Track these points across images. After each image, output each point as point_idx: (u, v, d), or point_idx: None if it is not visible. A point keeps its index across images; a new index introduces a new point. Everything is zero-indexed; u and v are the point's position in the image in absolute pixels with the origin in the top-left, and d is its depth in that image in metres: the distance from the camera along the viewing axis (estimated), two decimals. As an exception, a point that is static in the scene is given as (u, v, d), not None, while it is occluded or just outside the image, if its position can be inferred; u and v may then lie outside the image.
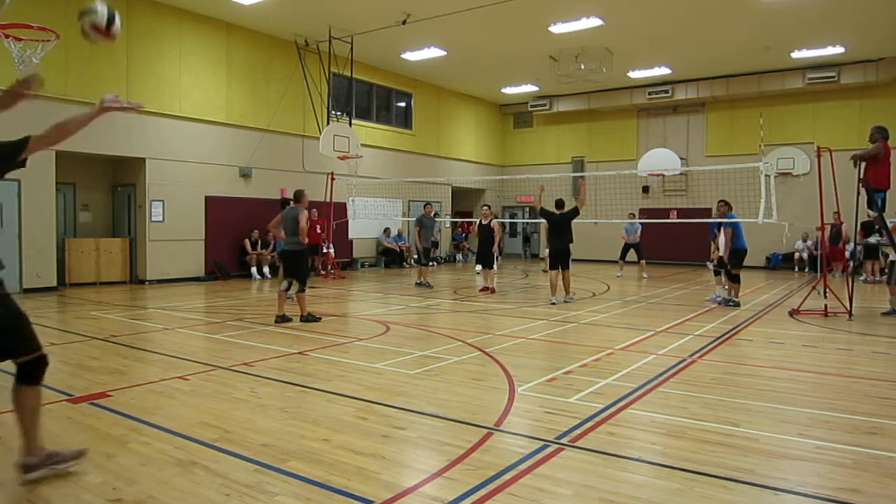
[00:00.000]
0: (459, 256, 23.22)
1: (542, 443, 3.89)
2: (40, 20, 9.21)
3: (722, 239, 10.90)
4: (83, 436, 3.99)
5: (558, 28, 15.13)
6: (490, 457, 3.65)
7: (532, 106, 23.65)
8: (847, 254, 14.86)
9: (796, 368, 6.14)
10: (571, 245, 11.32)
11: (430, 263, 13.89)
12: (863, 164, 9.04)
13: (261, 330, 8.14)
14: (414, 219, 20.69)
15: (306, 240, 8.85)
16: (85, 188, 14.13)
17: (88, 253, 13.32)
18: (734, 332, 8.22)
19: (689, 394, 5.11)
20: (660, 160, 19.11)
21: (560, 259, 11.10)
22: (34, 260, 12.15)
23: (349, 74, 17.26)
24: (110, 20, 3.71)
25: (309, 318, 8.74)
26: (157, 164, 14.01)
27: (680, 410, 4.64)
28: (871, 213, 9.39)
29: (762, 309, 10.50)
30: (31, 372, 3.27)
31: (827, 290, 9.76)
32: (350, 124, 17.15)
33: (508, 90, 22.61)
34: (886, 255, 13.21)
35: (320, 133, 15.77)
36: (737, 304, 10.69)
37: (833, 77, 18.20)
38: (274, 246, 16.06)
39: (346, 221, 17.45)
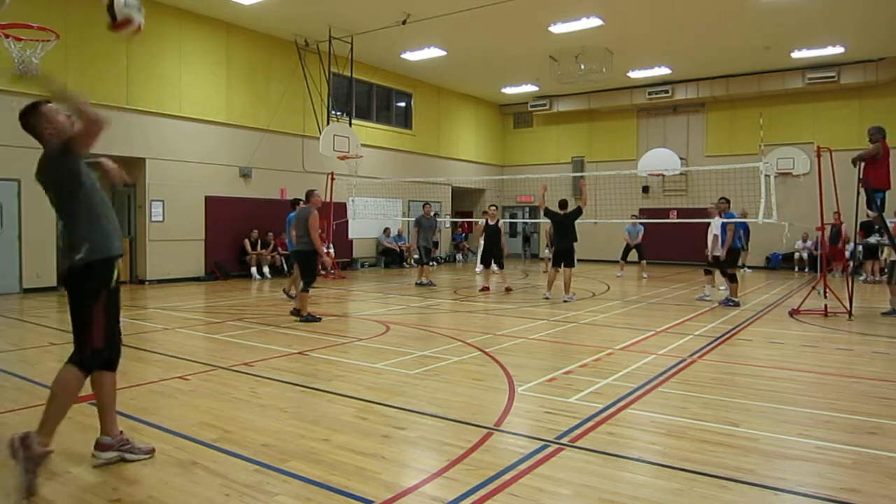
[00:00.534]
0: (459, 256, 23.22)
1: (542, 443, 3.89)
2: (40, 20, 9.20)
3: (710, 238, 11.00)
4: (83, 436, 3.98)
5: (558, 28, 15.13)
6: (490, 457, 3.65)
7: (532, 106, 23.65)
8: (847, 254, 14.86)
9: (796, 368, 6.13)
10: (575, 244, 11.55)
11: (430, 263, 13.83)
12: (862, 165, 9.06)
13: (261, 330, 8.14)
14: (414, 219, 20.86)
15: (319, 240, 8.82)
16: (85, 188, 14.14)
17: (88, 253, 13.32)
18: (734, 332, 8.22)
19: (688, 394, 5.11)
20: (660, 160, 19.10)
21: (564, 258, 11.36)
22: (34, 260, 12.15)
23: (349, 74, 17.26)
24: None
25: (299, 313, 8.79)
26: (157, 164, 14.00)
27: (680, 410, 4.64)
28: (870, 213, 9.39)
29: (762, 309, 10.50)
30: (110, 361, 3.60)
31: (827, 290, 9.76)
32: (350, 124, 17.15)
33: (508, 90, 22.61)
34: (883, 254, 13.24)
35: (320, 133, 15.77)
36: (736, 304, 10.70)
37: (833, 77, 18.21)
38: (274, 247, 16.08)
39: (346, 221, 17.45)
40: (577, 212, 11.33)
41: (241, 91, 15.76)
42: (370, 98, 19.70)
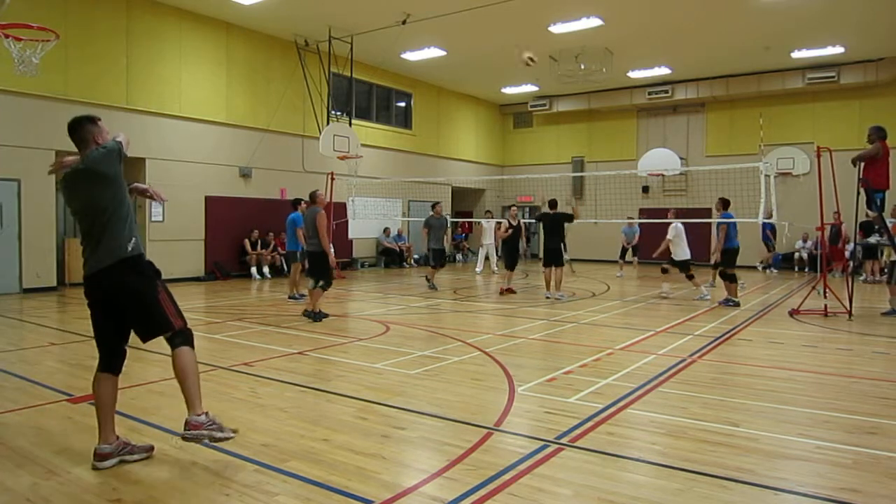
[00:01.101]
0: (459, 256, 23.21)
1: (542, 443, 3.89)
2: (40, 20, 9.20)
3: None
4: (83, 436, 3.99)
5: (558, 28, 15.13)
6: (490, 457, 3.65)
7: (532, 106, 23.65)
8: (847, 254, 14.86)
9: (796, 368, 6.14)
10: (568, 244, 11.55)
11: (435, 265, 13.52)
12: (862, 165, 9.06)
13: (261, 330, 8.14)
14: (422, 219, 20.81)
15: (326, 239, 8.79)
16: (85, 188, 14.12)
17: (88, 253, 13.31)
18: (734, 332, 8.22)
19: (688, 394, 5.11)
20: (660, 160, 19.10)
21: (552, 257, 11.60)
22: (34, 260, 12.15)
23: (349, 74, 17.26)
24: None
25: (311, 314, 8.76)
26: (157, 164, 13.99)
27: (680, 410, 4.64)
28: (870, 213, 9.39)
29: (762, 309, 10.51)
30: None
31: (827, 290, 9.76)
32: (350, 124, 17.14)
33: (508, 90, 22.61)
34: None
35: (320, 133, 15.76)
36: (736, 304, 10.70)
37: (833, 77, 18.20)
38: (274, 247, 16.07)
39: (346, 221, 17.44)
40: (569, 217, 11.53)
41: (240, 91, 15.76)
42: (370, 98, 19.70)
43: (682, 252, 11.62)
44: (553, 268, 11.64)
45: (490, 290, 13.48)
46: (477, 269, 17.93)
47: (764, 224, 10.84)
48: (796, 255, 19.21)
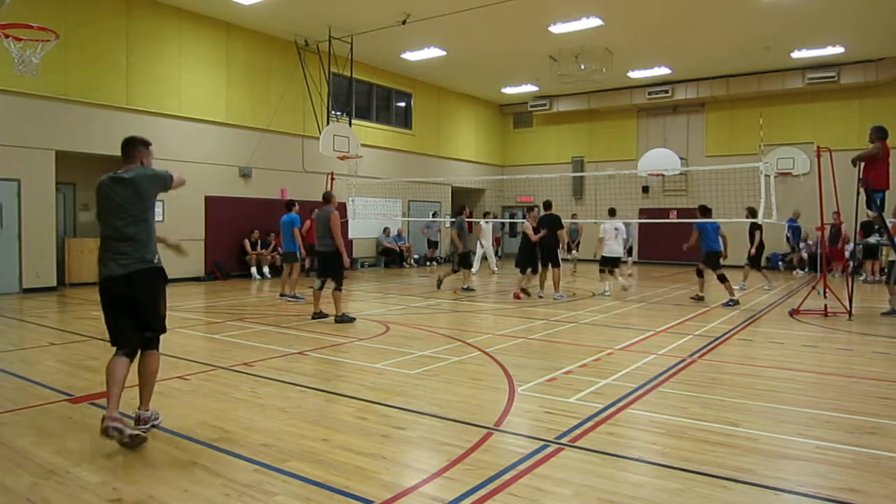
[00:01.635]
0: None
1: (542, 443, 3.89)
2: (40, 20, 9.20)
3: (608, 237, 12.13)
4: (83, 436, 3.99)
5: (558, 28, 15.13)
6: (490, 457, 3.65)
7: (532, 106, 23.64)
8: (847, 254, 14.86)
9: (796, 368, 6.14)
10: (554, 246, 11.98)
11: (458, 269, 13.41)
12: (862, 165, 9.05)
13: (261, 330, 8.14)
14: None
15: (341, 239, 8.76)
16: (85, 188, 14.09)
17: (88, 253, 13.28)
18: (734, 332, 8.22)
19: (688, 394, 5.11)
20: (660, 160, 19.11)
21: (547, 257, 11.83)
22: (34, 260, 12.14)
23: (349, 74, 17.26)
24: None
25: (343, 319, 8.71)
26: (157, 165, 13.92)
27: (680, 410, 4.64)
28: (870, 213, 9.39)
29: (762, 309, 10.51)
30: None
31: (827, 290, 9.76)
32: (350, 124, 17.14)
33: (508, 90, 22.61)
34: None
35: (320, 133, 15.76)
36: (736, 303, 10.72)
37: (833, 77, 18.20)
38: (274, 247, 16.07)
39: (346, 221, 17.42)
40: (559, 224, 11.80)
41: (240, 91, 15.76)
42: (370, 98, 19.70)
43: (609, 250, 12.26)
44: (550, 268, 11.83)
45: (489, 290, 13.48)
46: (473, 270, 17.87)
47: (788, 223, 11.13)
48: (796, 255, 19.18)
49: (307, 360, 6.33)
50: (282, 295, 11.50)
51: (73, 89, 12.47)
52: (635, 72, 19.57)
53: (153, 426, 4.11)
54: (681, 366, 6.12)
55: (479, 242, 17.99)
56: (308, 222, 12.44)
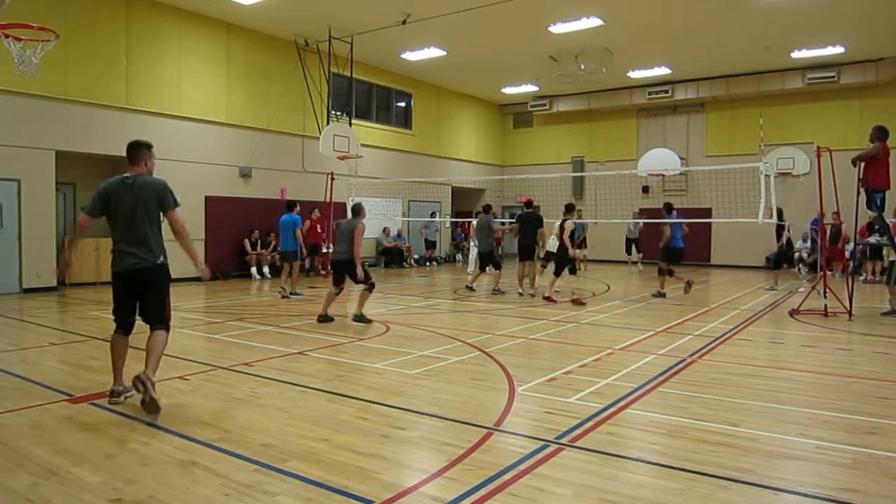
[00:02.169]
0: (459, 256, 23.21)
1: (542, 443, 3.89)
2: (40, 20, 9.20)
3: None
4: (83, 435, 3.99)
5: (558, 28, 15.13)
6: (490, 457, 3.65)
7: (532, 106, 23.64)
8: (847, 254, 14.86)
9: (796, 368, 6.14)
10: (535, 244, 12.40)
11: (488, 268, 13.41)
12: (862, 165, 9.05)
13: (261, 330, 8.14)
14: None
15: (359, 251, 8.70)
16: (85, 188, 14.08)
17: (88, 253, 13.29)
18: (734, 332, 8.22)
19: (688, 394, 5.11)
20: (660, 160, 19.11)
21: (525, 254, 12.18)
22: (34, 260, 12.14)
23: (349, 74, 17.26)
24: None
25: (361, 319, 8.64)
26: (157, 165, 13.83)
27: (680, 410, 4.64)
28: (870, 213, 9.39)
29: (762, 309, 10.51)
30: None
31: (827, 290, 9.76)
32: (350, 124, 17.14)
33: (508, 90, 22.61)
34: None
35: (320, 133, 15.77)
36: (662, 296, 11.75)
37: (833, 77, 18.20)
38: (274, 247, 16.07)
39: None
40: (539, 219, 12.15)
41: (240, 91, 15.76)
42: (370, 98, 19.70)
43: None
44: (527, 262, 12.15)
45: (488, 290, 13.46)
46: (469, 270, 17.86)
47: (812, 223, 11.37)
48: (796, 255, 19.16)
49: (307, 360, 6.33)
50: (283, 296, 11.49)
51: (73, 89, 12.47)
52: (635, 72, 19.57)
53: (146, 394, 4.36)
54: (681, 366, 6.12)
55: (472, 242, 17.89)
56: (308, 222, 12.49)
